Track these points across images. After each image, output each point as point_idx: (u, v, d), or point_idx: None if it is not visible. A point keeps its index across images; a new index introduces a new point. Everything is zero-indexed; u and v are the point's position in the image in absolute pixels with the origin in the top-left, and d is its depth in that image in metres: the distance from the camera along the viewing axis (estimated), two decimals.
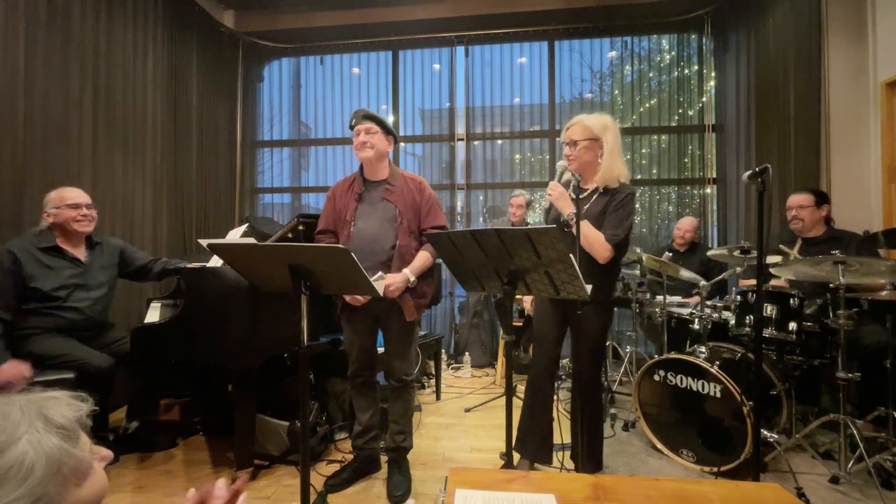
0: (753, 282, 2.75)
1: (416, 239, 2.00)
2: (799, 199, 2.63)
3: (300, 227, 2.22)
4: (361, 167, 2.06)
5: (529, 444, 2.08)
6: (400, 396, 2.08)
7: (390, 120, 4.59)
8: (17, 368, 1.82)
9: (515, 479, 1.08)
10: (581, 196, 1.90)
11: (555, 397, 2.06)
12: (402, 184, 2.01)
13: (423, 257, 1.96)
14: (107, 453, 0.61)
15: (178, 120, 3.75)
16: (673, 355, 2.32)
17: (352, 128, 1.99)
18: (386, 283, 1.85)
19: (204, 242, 1.65)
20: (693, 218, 3.64)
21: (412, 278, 1.91)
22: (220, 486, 0.76)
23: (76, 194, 2.23)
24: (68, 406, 0.56)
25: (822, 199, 2.61)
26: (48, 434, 0.51)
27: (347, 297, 1.95)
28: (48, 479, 0.50)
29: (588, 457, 2.00)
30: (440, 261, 2.06)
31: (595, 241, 1.79)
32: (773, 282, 2.55)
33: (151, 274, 2.51)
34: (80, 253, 2.27)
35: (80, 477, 0.54)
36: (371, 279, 1.76)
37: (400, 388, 2.07)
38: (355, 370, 2.07)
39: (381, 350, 2.18)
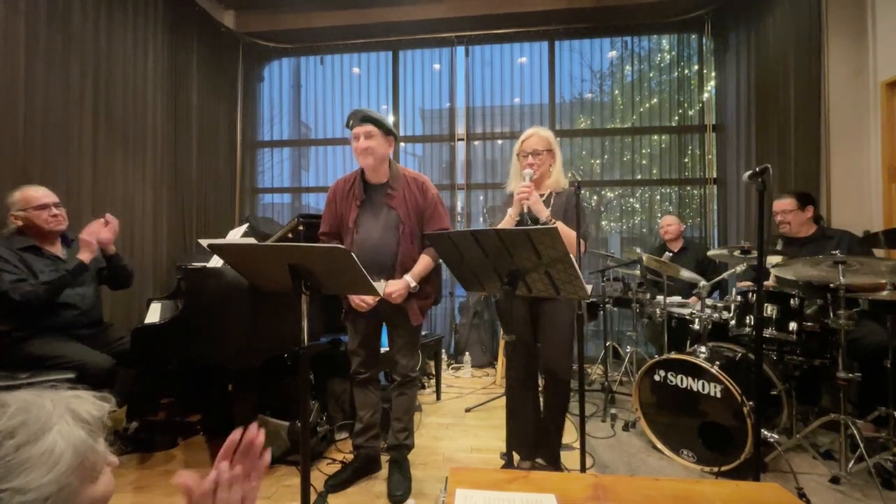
0: (748, 283, 2.77)
1: (419, 244, 1.98)
2: (782, 204, 2.68)
3: (300, 227, 2.22)
4: (362, 168, 2.04)
5: (526, 444, 2.10)
6: (403, 392, 2.08)
7: (390, 120, 4.59)
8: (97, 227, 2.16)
9: (515, 479, 1.08)
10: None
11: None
12: (403, 186, 1.97)
13: (424, 262, 1.96)
14: (113, 459, 0.63)
15: (178, 120, 3.76)
16: (673, 355, 2.32)
17: (349, 128, 1.94)
18: (388, 290, 1.86)
19: (204, 242, 1.65)
20: (671, 215, 3.65)
21: (413, 284, 1.92)
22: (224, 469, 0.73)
23: (41, 194, 2.14)
24: (93, 404, 0.59)
25: (805, 200, 2.65)
26: (76, 427, 0.55)
27: (353, 302, 1.94)
28: (73, 469, 0.52)
29: (551, 451, 2.07)
30: (440, 261, 2.06)
31: (572, 237, 1.87)
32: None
33: (103, 276, 2.39)
34: (58, 251, 2.22)
35: (94, 476, 0.57)
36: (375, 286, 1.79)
37: (404, 383, 2.07)
38: (358, 366, 2.07)
39: (384, 350, 2.18)
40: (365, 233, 1.95)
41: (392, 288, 1.87)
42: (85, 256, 2.11)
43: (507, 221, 1.95)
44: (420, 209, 1.97)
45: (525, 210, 1.86)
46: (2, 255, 2.02)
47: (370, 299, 1.91)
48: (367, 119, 1.88)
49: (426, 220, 1.97)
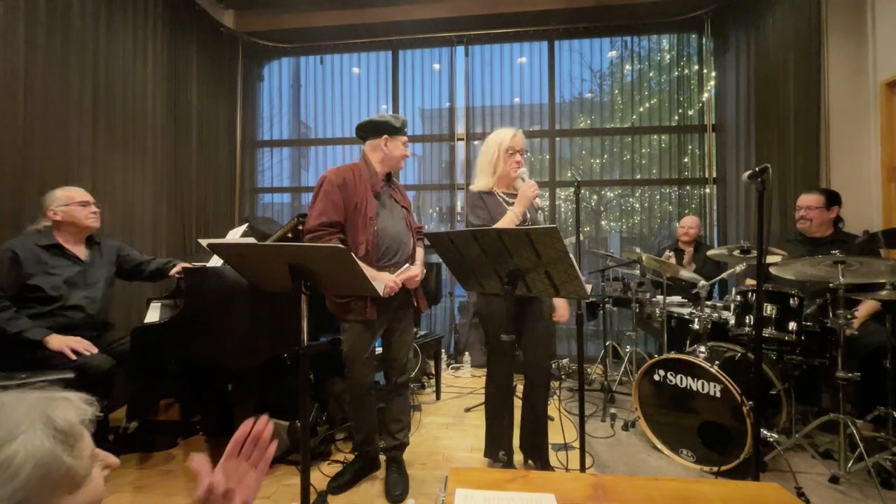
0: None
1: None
2: (808, 200, 2.60)
3: (300, 227, 2.22)
4: (368, 162, 2.01)
5: (526, 445, 2.13)
6: (401, 393, 2.11)
7: None
8: (82, 343, 2.03)
9: (515, 478, 1.08)
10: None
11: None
12: (396, 186, 2.15)
13: (420, 252, 2.14)
14: (113, 461, 0.61)
15: (178, 120, 3.75)
16: (673, 355, 2.32)
17: (402, 132, 2.03)
18: (412, 273, 1.94)
19: (204, 242, 1.65)
20: (692, 216, 3.67)
21: (423, 270, 2.08)
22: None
23: (82, 192, 2.26)
24: (74, 410, 0.57)
25: (833, 200, 2.58)
26: (45, 438, 0.52)
27: (388, 287, 1.84)
28: (33, 484, 0.50)
29: (541, 446, 2.09)
30: (440, 261, 2.10)
31: None
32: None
33: (146, 273, 2.51)
34: (81, 252, 2.27)
35: (73, 485, 0.54)
36: (401, 269, 1.91)
37: (402, 384, 2.10)
38: (362, 373, 1.98)
39: (378, 350, 2.18)
40: (385, 223, 1.98)
41: (415, 271, 1.97)
42: (52, 344, 1.99)
43: (511, 219, 1.88)
44: (410, 207, 2.17)
45: (536, 204, 1.91)
46: (18, 254, 2.05)
47: (420, 275, 2.02)
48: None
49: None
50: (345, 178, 1.92)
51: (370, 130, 2.01)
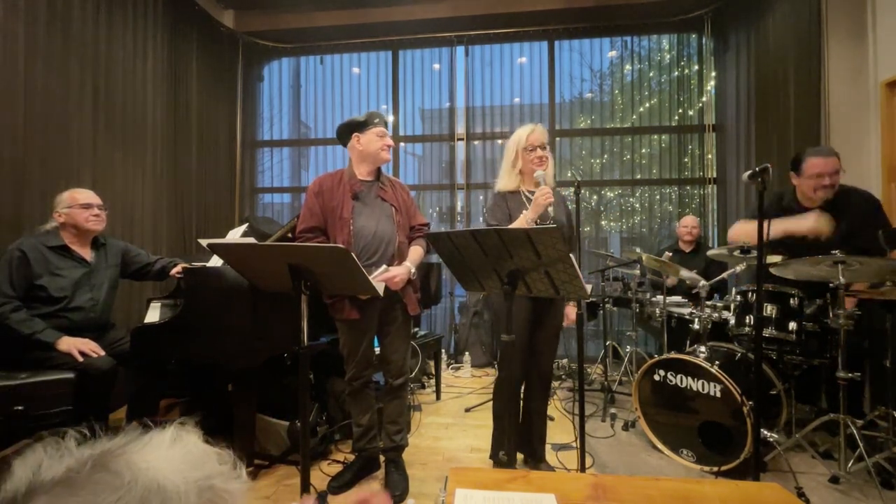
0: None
1: (407, 236, 2.10)
2: (834, 163, 2.29)
3: None
4: (350, 164, 2.06)
5: (528, 447, 2.12)
6: (397, 395, 2.09)
7: (390, 120, 4.62)
8: (90, 345, 2.05)
9: (515, 478, 1.08)
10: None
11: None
12: (389, 185, 2.10)
13: (417, 251, 2.07)
14: None
15: (178, 120, 3.75)
16: (673, 355, 2.32)
17: (370, 124, 2.00)
18: (390, 274, 1.90)
19: (204, 242, 1.65)
20: (691, 216, 3.69)
21: (413, 270, 2.01)
22: None
23: (88, 195, 2.27)
24: None
25: None
26: None
27: (393, 281, 1.93)
28: None
29: (538, 443, 2.10)
30: (440, 261, 2.09)
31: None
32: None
33: (152, 273, 2.53)
34: (87, 253, 2.28)
35: None
36: (378, 271, 1.85)
37: (398, 386, 2.08)
38: (357, 371, 2.04)
39: (376, 350, 2.18)
40: (364, 222, 1.98)
41: (395, 271, 1.92)
42: (61, 346, 2.02)
43: (521, 223, 1.87)
44: (407, 205, 2.11)
45: (550, 213, 1.88)
46: (27, 253, 2.06)
47: (405, 275, 1.95)
48: (387, 124, 2.06)
49: (411, 215, 2.12)
50: (321, 185, 2.02)
51: (342, 135, 2.06)
